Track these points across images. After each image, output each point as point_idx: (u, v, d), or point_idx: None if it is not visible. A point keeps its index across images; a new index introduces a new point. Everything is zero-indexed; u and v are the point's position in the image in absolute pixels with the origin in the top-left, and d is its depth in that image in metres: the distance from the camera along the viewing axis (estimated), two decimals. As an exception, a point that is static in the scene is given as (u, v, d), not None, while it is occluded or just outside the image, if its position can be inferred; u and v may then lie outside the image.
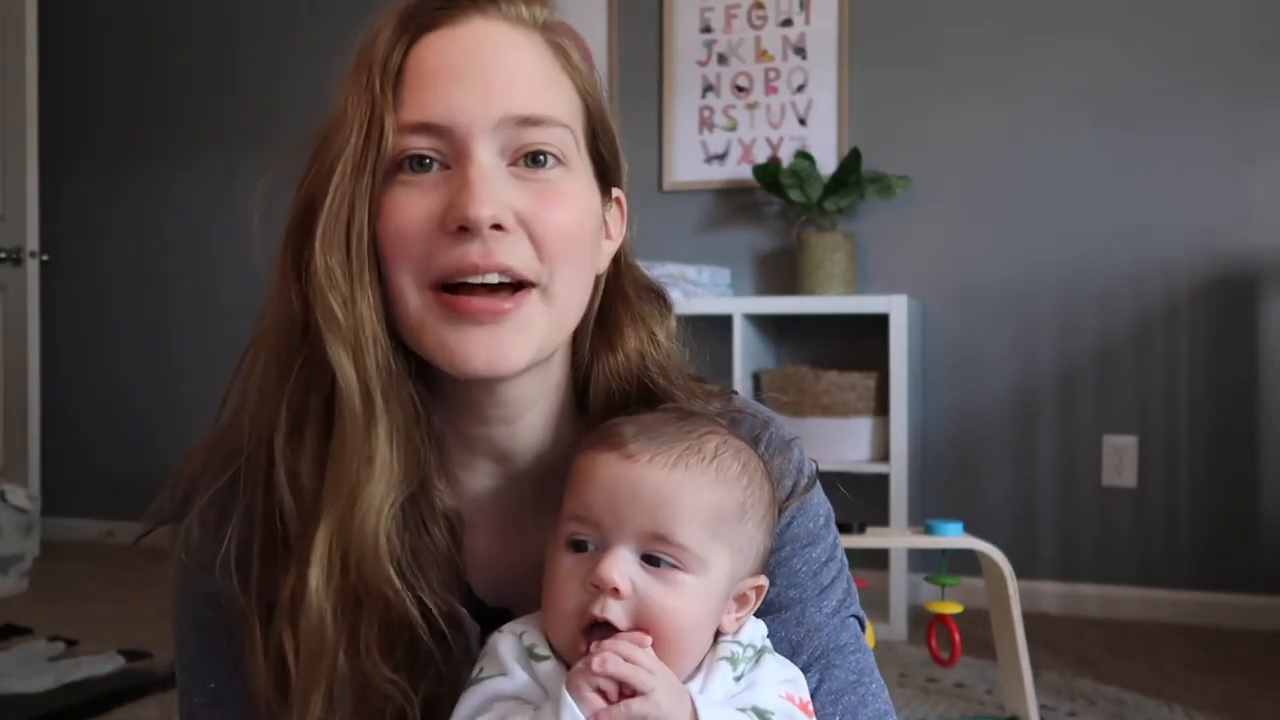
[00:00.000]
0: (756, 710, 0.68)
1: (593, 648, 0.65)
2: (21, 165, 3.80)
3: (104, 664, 2.45)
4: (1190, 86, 3.00)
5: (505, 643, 0.72)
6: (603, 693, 0.64)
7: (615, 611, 0.67)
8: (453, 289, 0.71)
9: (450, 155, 0.71)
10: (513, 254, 0.71)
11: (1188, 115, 3.00)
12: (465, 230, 0.69)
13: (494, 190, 0.70)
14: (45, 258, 3.90)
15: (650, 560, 0.69)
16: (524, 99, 0.72)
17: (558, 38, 0.77)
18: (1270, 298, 2.94)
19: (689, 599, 0.68)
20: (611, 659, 0.64)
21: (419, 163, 0.71)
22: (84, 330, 4.17)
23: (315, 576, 0.71)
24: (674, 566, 0.69)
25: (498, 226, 0.70)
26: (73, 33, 4.18)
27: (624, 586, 0.67)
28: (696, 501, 0.70)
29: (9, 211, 3.81)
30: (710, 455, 0.72)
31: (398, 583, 0.73)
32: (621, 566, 0.67)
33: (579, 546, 0.70)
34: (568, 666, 0.68)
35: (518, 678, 0.69)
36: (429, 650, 0.74)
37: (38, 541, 3.48)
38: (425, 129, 0.71)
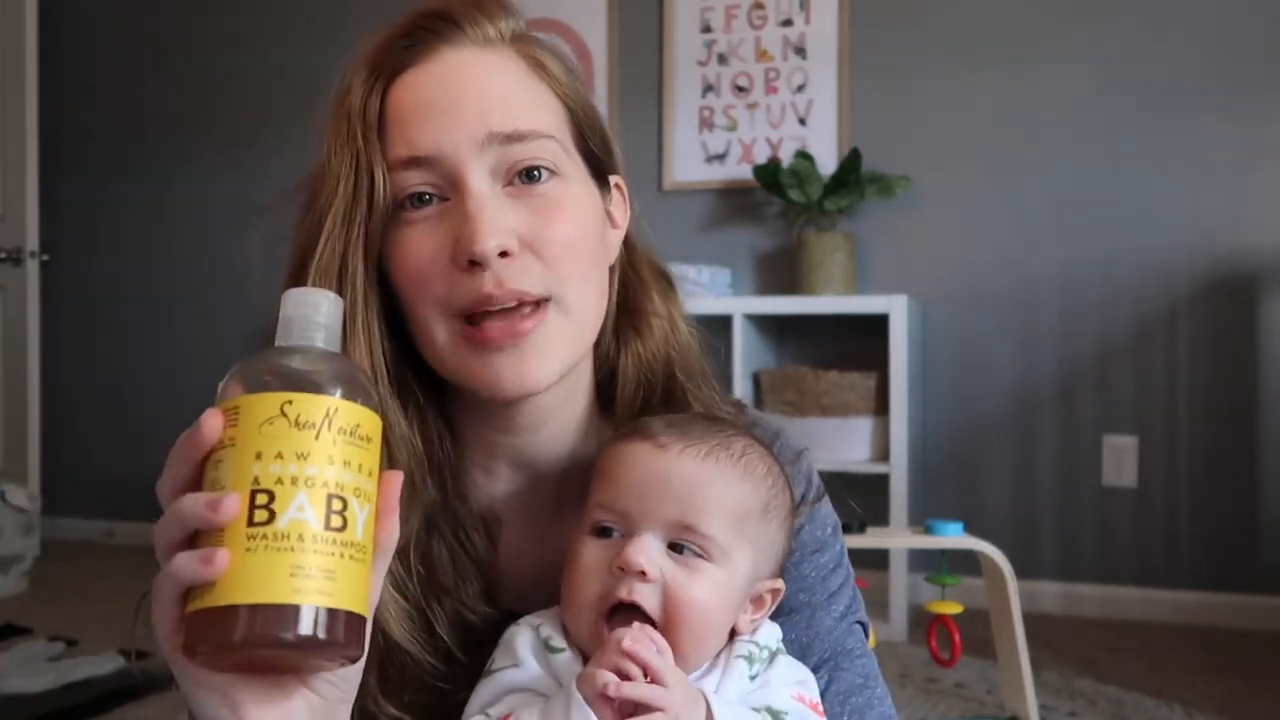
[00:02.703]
0: (770, 710, 0.69)
1: (614, 634, 0.65)
2: (21, 165, 3.80)
3: (104, 664, 2.45)
4: (1190, 87, 3.00)
5: (521, 635, 0.72)
6: (612, 700, 0.63)
7: (644, 594, 0.68)
8: (475, 319, 0.72)
9: (446, 186, 0.72)
10: (524, 277, 0.71)
11: (1188, 116, 3.00)
12: (475, 263, 0.70)
13: (494, 219, 0.71)
14: (45, 258, 3.90)
15: (675, 548, 0.70)
16: (504, 117, 0.73)
17: (530, 48, 0.78)
18: (1270, 298, 2.94)
19: (712, 588, 0.69)
20: (640, 639, 0.64)
21: (418, 199, 0.73)
22: (84, 330, 4.17)
23: None
24: (699, 555, 0.70)
25: (505, 254, 0.71)
26: (74, 33, 4.18)
27: (651, 571, 0.68)
28: (724, 494, 0.71)
29: (9, 211, 3.80)
30: (739, 453, 0.73)
31: (399, 624, 0.73)
32: (649, 551, 0.69)
33: (604, 533, 0.71)
34: (584, 658, 0.69)
35: (531, 670, 0.70)
36: (439, 683, 0.75)
37: (38, 541, 3.47)
38: (415, 163, 0.72)
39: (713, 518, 0.70)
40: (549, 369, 0.73)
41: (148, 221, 4.12)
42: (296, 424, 0.55)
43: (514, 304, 0.71)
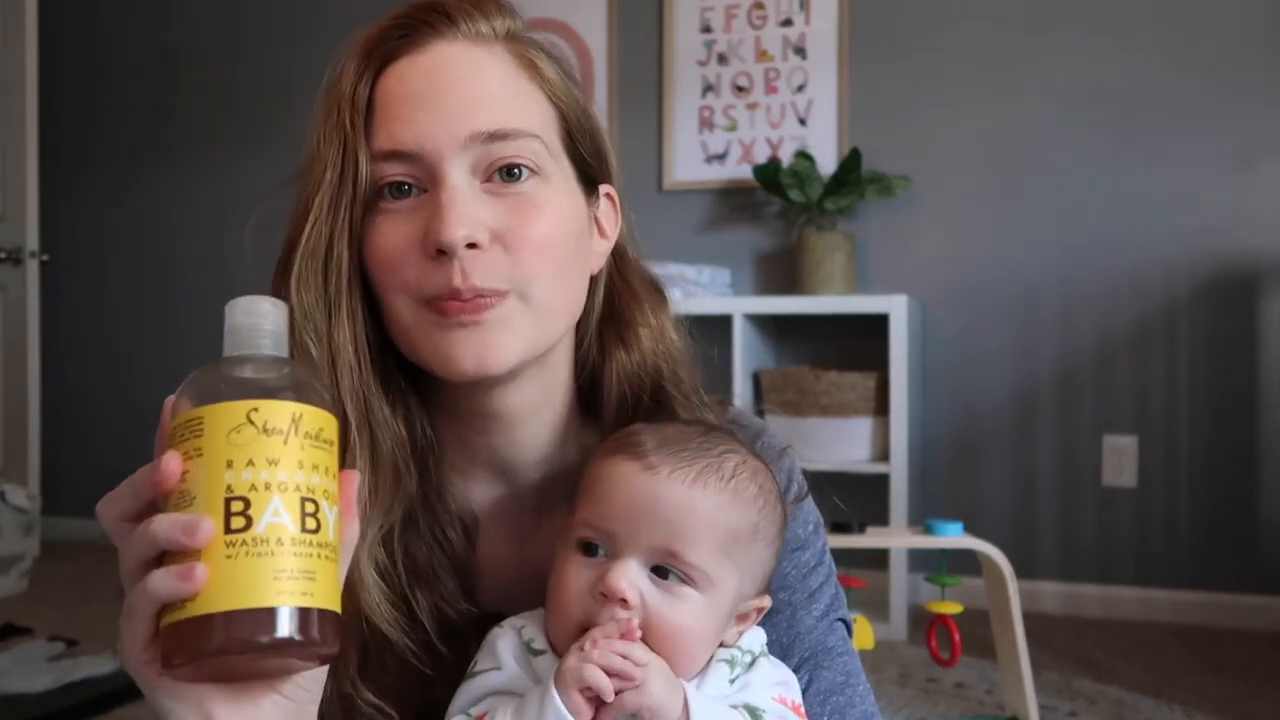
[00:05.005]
0: (749, 708, 0.69)
1: (585, 638, 0.66)
2: (21, 165, 3.80)
3: (104, 664, 2.45)
4: (1190, 86, 3.00)
5: (504, 637, 0.72)
6: (589, 692, 0.64)
7: (623, 621, 0.67)
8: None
9: (425, 179, 0.73)
10: (489, 274, 0.71)
11: (1187, 115, 3.00)
12: (443, 253, 0.70)
13: (465, 211, 0.71)
14: (45, 258, 3.91)
15: (659, 572, 0.69)
16: (489, 115, 0.73)
17: (524, 48, 0.77)
18: (1270, 298, 2.94)
19: (694, 615, 0.69)
20: (603, 645, 0.64)
21: (398, 189, 0.73)
22: (84, 330, 4.17)
23: None
24: (683, 581, 0.69)
25: (472, 245, 0.71)
26: (75, 32, 4.18)
27: (632, 597, 0.67)
28: (712, 520, 0.70)
29: (9, 211, 3.81)
30: (729, 475, 0.72)
31: (380, 610, 0.74)
32: (630, 577, 0.68)
33: (589, 550, 0.70)
34: None
35: (512, 671, 0.70)
36: (421, 668, 0.75)
37: (38, 541, 3.48)
38: (396, 156, 0.72)
39: (699, 545, 0.69)
40: (509, 350, 0.72)
41: (148, 221, 4.12)
42: (264, 430, 0.55)
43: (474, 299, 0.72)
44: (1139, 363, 3.04)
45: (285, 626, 0.54)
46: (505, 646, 0.71)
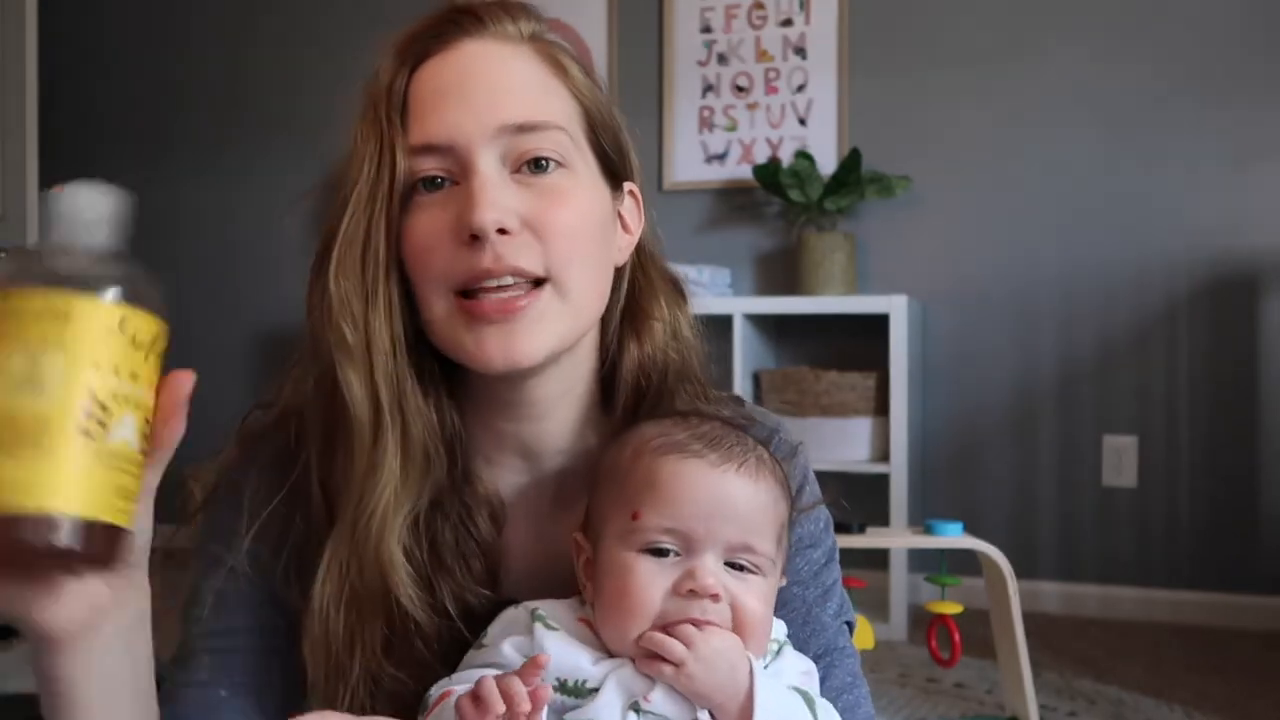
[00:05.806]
0: (800, 692, 0.72)
1: (677, 630, 0.69)
2: (21, 165, 3.80)
3: (104, 664, 2.45)
4: (1190, 87, 3.00)
5: (515, 614, 0.74)
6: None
7: (716, 613, 0.70)
8: (472, 293, 0.74)
9: (457, 171, 0.75)
10: (521, 255, 0.74)
11: (1187, 116, 3.00)
12: (476, 238, 0.72)
13: (496, 197, 0.73)
14: (45, 258, 3.90)
15: (730, 564, 0.72)
16: (516, 108, 0.75)
17: (550, 48, 0.81)
18: (1270, 298, 2.95)
19: (762, 598, 0.73)
20: (707, 633, 0.69)
21: (431, 183, 0.75)
22: (84, 330, 4.17)
23: (324, 581, 0.75)
24: (752, 570, 0.73)
25: (503, 231, 0.73)
26: (76, 31, 4.18)
27: (723, 593, 0.71)
28: (773, 511, 0.74)
29: (9, 211, 3.80)
30: (770, 464, 0.76)
31: (406, 590, 0.75)
32: (718, 574, 0.71)
33: (660, 553, 0.72)
34: (576, 639, 0.71)
35: (514, 643, 0.72)
36: (434, 651, 0.77)
37: (38, 541, 3.47)
38: (430, 150, 0.75)
39: (766, 536, 0.73)
40: (537, 346, 0.74)
41: (148, 220, 4.10)
42: (134, 343, 0.55)
43: (510, 281, 0.73)
44: (1139, 363, 3.04)
45: (91, 541, 0.53)
46: (513, 621, 0.73)
